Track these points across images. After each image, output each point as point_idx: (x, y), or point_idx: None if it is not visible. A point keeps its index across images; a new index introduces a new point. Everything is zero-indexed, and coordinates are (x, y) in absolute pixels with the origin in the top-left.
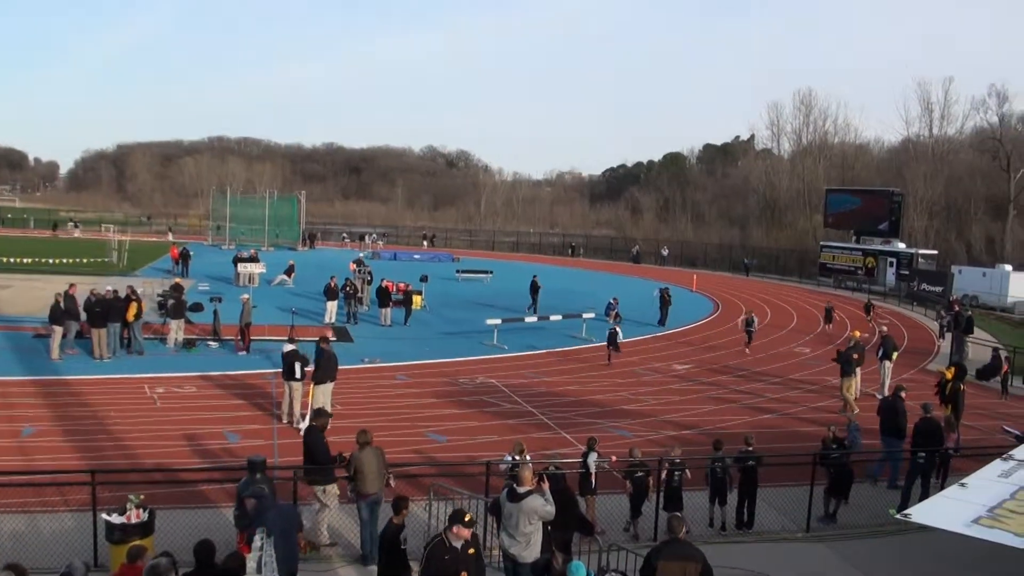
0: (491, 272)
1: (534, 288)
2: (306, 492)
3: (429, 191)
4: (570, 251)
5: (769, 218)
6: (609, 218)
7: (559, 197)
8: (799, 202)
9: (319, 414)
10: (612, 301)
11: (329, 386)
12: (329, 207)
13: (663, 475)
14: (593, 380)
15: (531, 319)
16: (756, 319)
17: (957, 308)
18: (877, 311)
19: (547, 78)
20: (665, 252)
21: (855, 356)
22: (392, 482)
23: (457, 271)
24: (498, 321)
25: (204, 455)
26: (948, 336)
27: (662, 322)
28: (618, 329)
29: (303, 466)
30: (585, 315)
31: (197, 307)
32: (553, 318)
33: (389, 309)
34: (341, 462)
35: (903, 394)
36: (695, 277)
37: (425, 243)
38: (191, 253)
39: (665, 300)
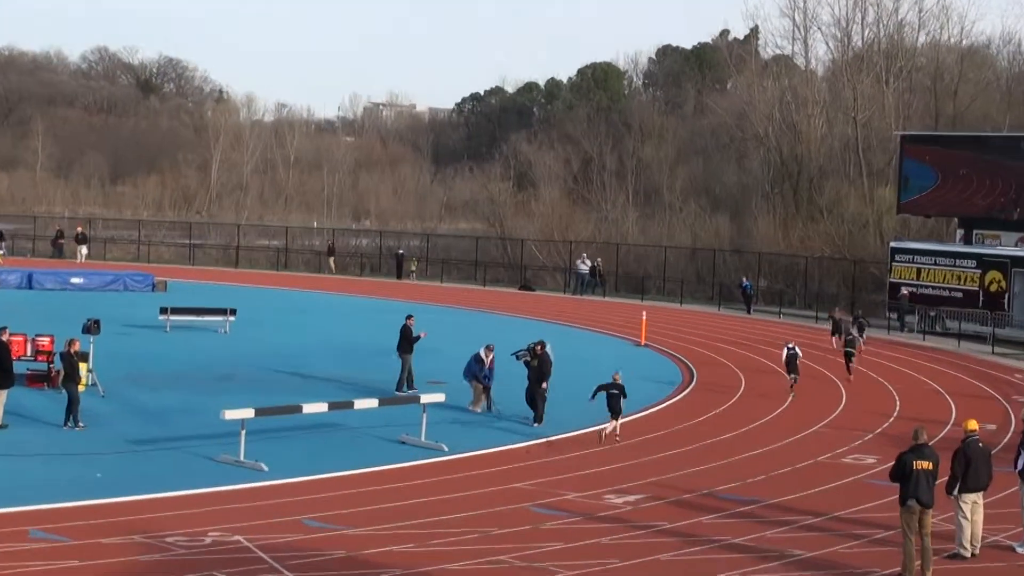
0: (233, 312)
1: (407, 339)
2: None
3: (102, 143)
4: (396, 268)
5: (789, 196)
6: (472, 196)
7: (371, 155)
8: (847, 163)
9: None
10: (482, 354)
11: None
12: None
13: None
14: (443, 529)
15: (314, 408)
16: (859, 338)
17: None
18: (861, 344)
19: None
20: (585, 266)
21: (921, 466)
22: None
23: (163, 310)
24: (248, 413)
25: None
26: None
27: (536, 417)
28: (798, 349)
29: None
30: (426, 398)
31: None
32: (362, 405)
33: (5, 393)
34: None
35: None
36: (644, 316)
37: (83, 250)
38: None
39: (538, 369)
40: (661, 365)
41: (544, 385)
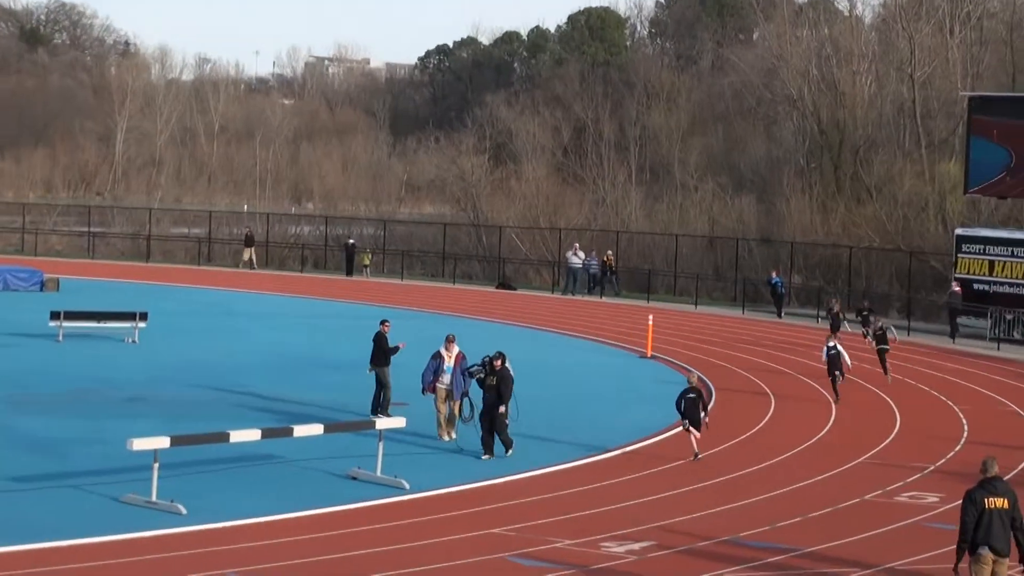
0: (143, 317)
1: (382, 349)
2: None
3: None
4: (346, 262)
5: (829, 172)
6: (439, 173)
7: (314, 123)
8: (902, 132)
9: None
10: (442, 351)
11: None
12: None
13: None
14: None
15: (244, 436)
16: (891, 328)
17: None
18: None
19: None
20: (578, 259)
21: (994, 504)
22: None
23: (54, 315)
24: (162, 442)
25: None
26: None
27: (504, 446)
28: (840, 347)
29: None
30: (383, 423)
31: None
32: (303, 432)
33: None
34: None
35: None
36: (650, 321)
37: None
38: None
39: (496, 389)
40: (671, 381)
41: (503, 409)
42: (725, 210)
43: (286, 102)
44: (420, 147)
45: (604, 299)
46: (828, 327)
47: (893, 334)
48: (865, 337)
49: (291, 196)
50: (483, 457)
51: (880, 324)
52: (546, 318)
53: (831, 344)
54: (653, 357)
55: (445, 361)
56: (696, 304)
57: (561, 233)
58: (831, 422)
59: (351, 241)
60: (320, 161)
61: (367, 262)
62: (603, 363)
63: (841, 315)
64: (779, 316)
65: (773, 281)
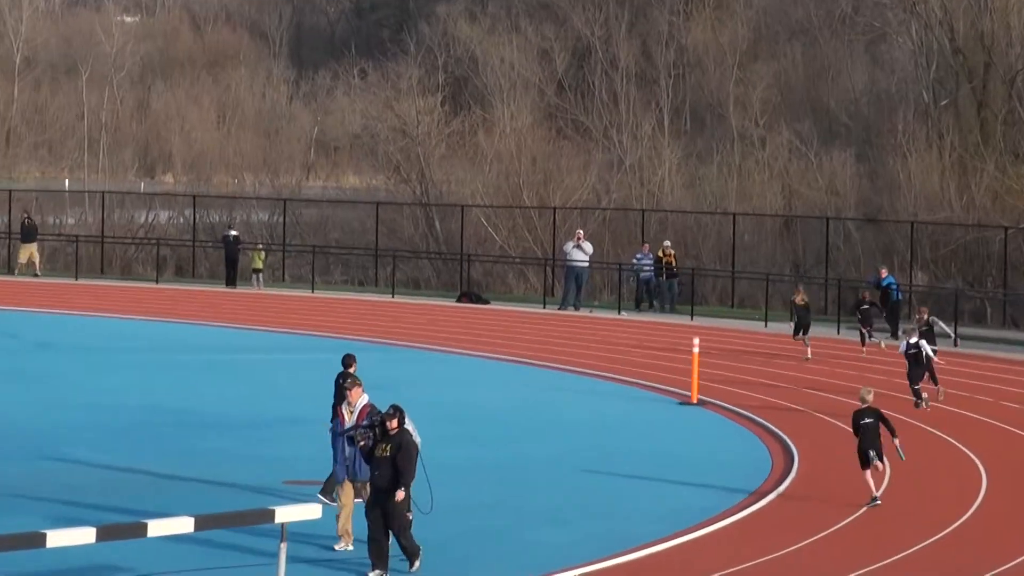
0: None
1: (343, 397)
2: None
3: None
4: (226, 265)
5: (970, 116)
6: (367, 125)
7: (173, 52)
8: None
9: None
10: (343, 411)
11: None
12: None
13: None
14: None
15: (70, 538)
16: (945, 325)
17: None
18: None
19: None
20: (582, 253)
21: None
22: None
23: None
24: None
25: None
26: None
27: (408, 558)
28: (926, 346)
29: None
30: (285, 513)
31: None
32: (162, 529)
33: None
34: None
35: None
36: (696, 347)
37: None
38: None
39: (391, 464)
40: (730, 440)
41: (400, 494)
42: (808, 175)
43: (128, 20)
44: (337, 85)
45: (624, 315)
46: (960, 357)
47: (944, 329)
48: (862, 342)
49: (139, 165)
50: (370, 574)
51: (927, 318)
52: (536, 346)
53: (912, 340)
54: (700, 403)
55: (344, 422)
56: (766, 320)
57: (556, 214)
58: (980, 497)
59: (233, 233)
60: (183, 110)
61: (259, 264)
62: (623, 413)
63: (808, 311)
64: (893, 336)
65: (884, 282)
